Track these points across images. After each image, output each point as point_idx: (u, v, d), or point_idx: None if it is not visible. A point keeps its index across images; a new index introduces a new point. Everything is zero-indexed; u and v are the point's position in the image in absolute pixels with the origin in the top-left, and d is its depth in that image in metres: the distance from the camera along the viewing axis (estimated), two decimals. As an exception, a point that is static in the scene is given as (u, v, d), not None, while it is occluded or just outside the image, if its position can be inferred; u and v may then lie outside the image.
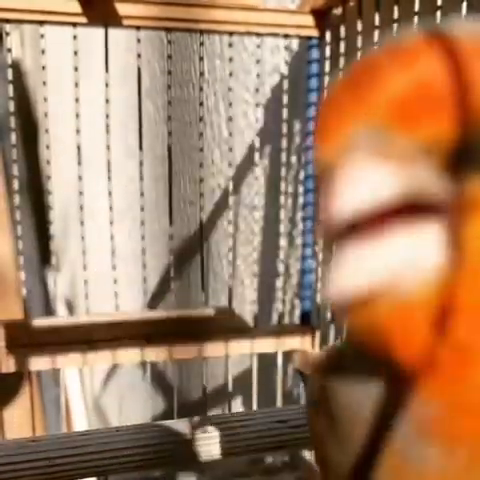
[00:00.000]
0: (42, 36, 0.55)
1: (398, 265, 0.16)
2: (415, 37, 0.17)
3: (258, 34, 0.58)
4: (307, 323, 0.63)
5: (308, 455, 0.62)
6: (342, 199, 0.16)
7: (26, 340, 0.56)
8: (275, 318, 0.72)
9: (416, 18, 0.47)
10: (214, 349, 0.60)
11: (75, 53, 0.57)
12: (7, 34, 0.54)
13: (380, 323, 0.17)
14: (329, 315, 0.59)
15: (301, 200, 0.67)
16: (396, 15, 0.49)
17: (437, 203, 0.16)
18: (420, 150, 0.16)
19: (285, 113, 0.60)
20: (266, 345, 0.62)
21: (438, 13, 0.45)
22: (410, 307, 0.16)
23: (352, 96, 0.16)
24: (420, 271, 0.16)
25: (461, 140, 0.16)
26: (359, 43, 0.54)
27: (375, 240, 0.16)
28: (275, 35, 0.59)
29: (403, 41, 0.17)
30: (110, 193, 0.61)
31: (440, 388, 0.17)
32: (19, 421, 0.87)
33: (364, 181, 0.16)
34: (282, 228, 0.65)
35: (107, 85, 0.58)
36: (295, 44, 0.66)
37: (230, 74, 0.61)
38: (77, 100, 0.57)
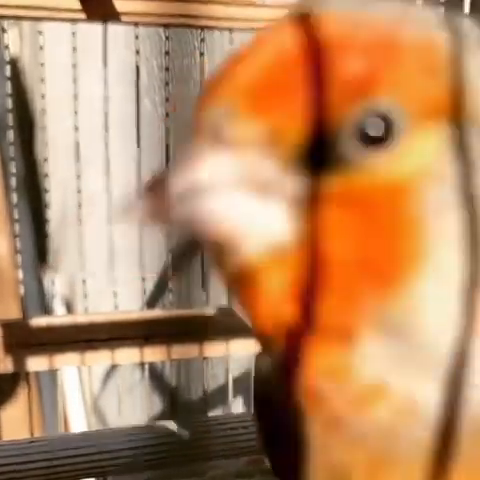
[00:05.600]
0: (40, 33, 0.54)
1: (243, 220, 0.17)
2: (281, 26, 0.18)
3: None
4: (307, 322, 0.63)
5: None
6: (181, 177, 0.17)
7: (24, 340, 0.55)
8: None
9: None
10: (214, 349, 0.59)
11: (74, 50, 0.56)
12: (5, 31, 0.54)
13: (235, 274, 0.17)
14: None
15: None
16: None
17: (282, 188, 0.17)
18: (264, 138, 0.17)
19: (285, 110, 0.60)
20: (266, 344, 0.61)
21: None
22: (250, 267, 0.17)
23: (216, 81, 0.18)
24: (263, 238, 0.17)
25: (315, 137, 0.16)
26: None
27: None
28: (275, 31, 0.59)
29: (271, 29, 0.18)
30: (108, 191, 0.60)
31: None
32: (17, 422, 0.86)
33: (202, 166, 0.17)
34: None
35: (105, 82, 0.58)
36: (295, 41, 0.66)
37: (230, 71, 0.60)
38: (75, 97, 0.57)
